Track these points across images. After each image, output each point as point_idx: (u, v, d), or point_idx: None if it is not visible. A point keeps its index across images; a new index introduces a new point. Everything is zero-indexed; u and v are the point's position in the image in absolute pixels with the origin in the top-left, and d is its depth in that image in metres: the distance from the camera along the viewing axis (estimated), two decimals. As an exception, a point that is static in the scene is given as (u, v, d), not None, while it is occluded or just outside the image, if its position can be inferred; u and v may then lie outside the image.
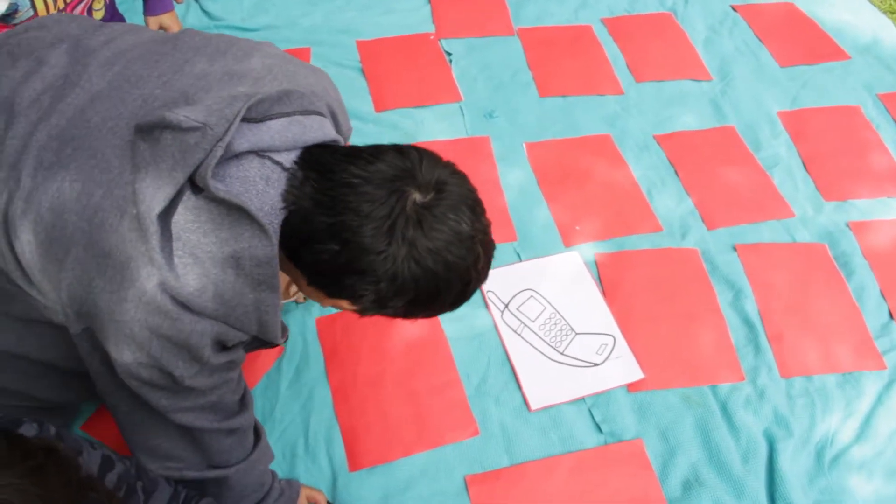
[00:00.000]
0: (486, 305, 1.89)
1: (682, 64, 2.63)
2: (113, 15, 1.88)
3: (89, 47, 1.13)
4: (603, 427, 1.69)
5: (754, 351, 1.84)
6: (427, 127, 2.34)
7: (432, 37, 2.67)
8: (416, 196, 0.97)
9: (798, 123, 2.43)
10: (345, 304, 1.05)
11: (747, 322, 1.89)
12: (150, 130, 0.95)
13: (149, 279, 0.96)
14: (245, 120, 1.00)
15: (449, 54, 2.61)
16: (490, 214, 2.03)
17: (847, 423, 1.72)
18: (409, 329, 1.82)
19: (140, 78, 1.07)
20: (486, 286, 1.90)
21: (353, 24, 2.72)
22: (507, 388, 1.75)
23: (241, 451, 1.30)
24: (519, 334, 1.83)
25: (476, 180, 2.13)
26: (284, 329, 1.18)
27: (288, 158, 1.02)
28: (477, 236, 1.02)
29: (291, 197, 0.99)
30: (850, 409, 1.74)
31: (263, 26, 2.70)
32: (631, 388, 1.76)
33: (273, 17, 2.74)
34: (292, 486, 1.48)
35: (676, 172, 2.24)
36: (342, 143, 1.14)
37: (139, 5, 1.94)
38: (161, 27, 1.99)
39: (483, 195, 2.06)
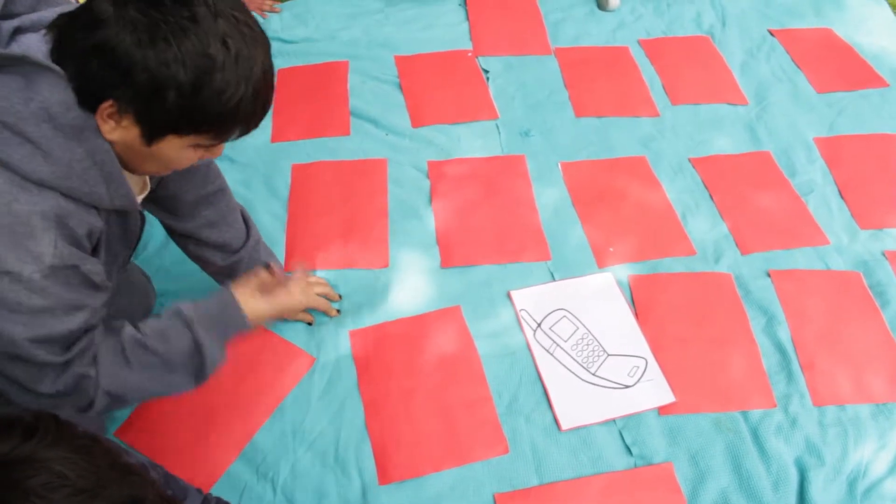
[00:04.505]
0: (519, 324, 1.90)
1: (718, 87, 2.63)
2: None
3: None
4: (633, 449, 1.69)
5: (786, 378, 1.83)
6: (463, 144, 2.36)
7: (470, 54, 2.70)
8: None
9: (834, 150, 2.42)
10: (107, 104, 1.00)
11: (780, 349, 1.88)
12: None
13: None
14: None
15: (486, 72, 2.63)
16: (524, 233, 2.08)
17: (880, 455, 1.70)
18: (443, 345, 1.84)
19: None
20: (518, 305, 1.92)
21: (391, 38, 2.75)
22: (537, 407, 1.76)
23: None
24: (551, 354, 1.84)
25: (511, 199, 2.18)
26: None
27: None
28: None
29: (53, 24, 1.00)
30: (883, 440, 1.73)
31: (302, 38, 2.74)
32: (662, 411, 1.76)
33: (312, 29, 2.78)
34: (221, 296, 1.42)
35: (711, 196, 2.24)
36: None
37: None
38: None
39: (518, 214, 2.12)
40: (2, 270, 1.00)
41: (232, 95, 1.01)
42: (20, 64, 0.96)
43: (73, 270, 1.09)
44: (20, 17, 1.04)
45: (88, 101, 1.00)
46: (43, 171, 1.00)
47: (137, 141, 1.05)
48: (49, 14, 1.05)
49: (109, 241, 1.22)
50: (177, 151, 1.10)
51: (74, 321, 1.12)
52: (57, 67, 0.98)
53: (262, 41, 1.04)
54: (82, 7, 0.98)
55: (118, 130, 1.03)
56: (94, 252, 1.18)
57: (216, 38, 0.96)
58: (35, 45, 1.00)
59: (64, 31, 0.99)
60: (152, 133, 1.04)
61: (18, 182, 0.99)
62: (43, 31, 1.02)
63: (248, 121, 1.09)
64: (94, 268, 1.13)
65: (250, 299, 1.50)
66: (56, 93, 0.98)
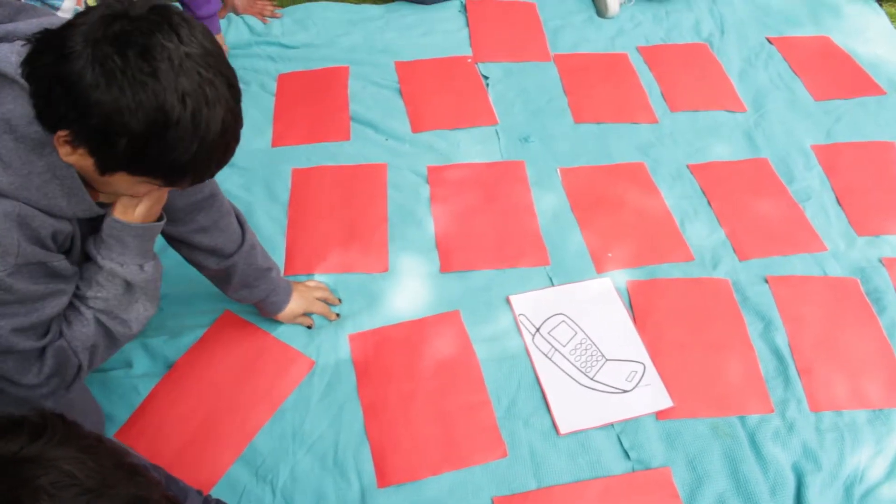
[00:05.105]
0: (518, 329, 1.91)
1: (716, 94, 2.64)
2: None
3: None
4: (631, 454, 1.70)
5: (784, 383, 1.83)
6: (463, 149, 2.37)
7: (470, 60, 2.71)
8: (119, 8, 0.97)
9: (832, 157, 2.44)
10: (63, 132, 1.00)
11: (777, 354, 1.89)
12: None
13: None
14: None
15: (486, 78, 2.64)
16: (524, 238, 2.09)
17: (877, 461, 1.71)
18: (442, 350, 1.85)
19: None
20: (517, 309, 1.92)
21: (392, 44, 2.76)
22: (536, 411, 1.76)
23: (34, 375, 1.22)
24: (550, 358, 1.84)
25: (510, 204, 2.19)
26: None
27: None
28: (177, 49, 0.97)
29: (31, 38, 1.01)
30: (880, 445, 1.73)
31: (303, 44, 2.75)
32: (660, 415, 1.76)
33: (313, 35, 2.79)
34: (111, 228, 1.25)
35: (709, 202, 2.25)
36: None
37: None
38: None
39: (517, 219, 2.13)
40: None
41: (183, 152, 1.01)
42: None
43: (40, 266, 1.12)
44: None
45: (47, 122, 1.01)
46: (1, 181, 1.01)
47: (91, 169, 1.05)
48: (25, 26, 1.07)
49: (84, 244, 1.23)
50: (129, 185, 1.11)
51: (47, 309, 1.16)
52: (24, 81, 1.00)
53: (225, 100, 1.03)
54: (60, 29, 0.98)
55: (74, 156, 1.04)
56: (67, 254, 1.20)
57: (174, 95, 0.96)
58: (4, 56, 1.01)
59: (36, 50, 0.99)
60: (104, 167, 1.05)
61: None
62: (19, 43, 1.03)
63: (200, 175, 1.10)
64: (60, 264, 1.16)
65: (135, 208, 1.30)
66: (20, 105, 1.00)
